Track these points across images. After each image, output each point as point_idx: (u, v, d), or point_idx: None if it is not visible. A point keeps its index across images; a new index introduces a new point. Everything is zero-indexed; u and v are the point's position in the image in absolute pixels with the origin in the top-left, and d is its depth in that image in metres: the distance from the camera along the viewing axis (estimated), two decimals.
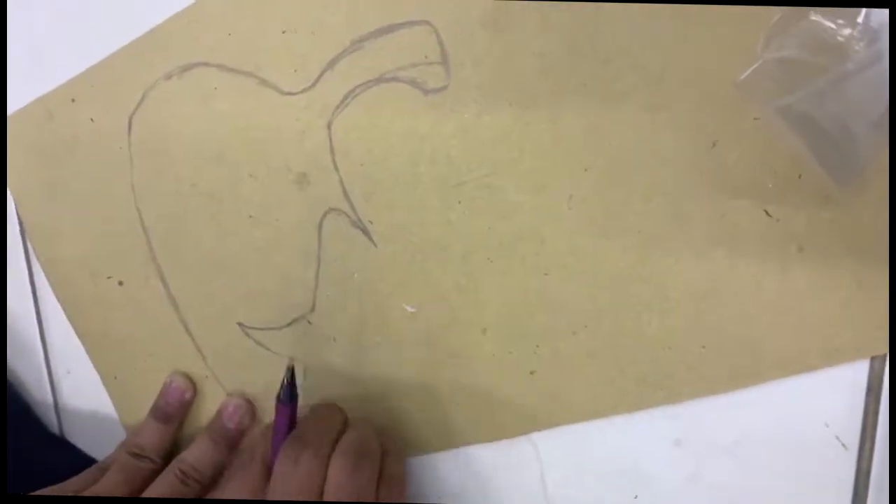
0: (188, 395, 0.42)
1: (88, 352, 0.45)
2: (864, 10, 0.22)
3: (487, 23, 0.31)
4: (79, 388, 0.46)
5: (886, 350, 0.28)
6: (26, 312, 0.46)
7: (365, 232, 0.35)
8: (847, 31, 0.22)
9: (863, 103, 0.23)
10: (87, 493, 0.36)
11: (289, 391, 0.35)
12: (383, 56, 0.33)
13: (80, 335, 0.45)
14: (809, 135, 0.24)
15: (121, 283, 0.43)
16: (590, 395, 0.33)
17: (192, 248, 0.40)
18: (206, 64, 0.37)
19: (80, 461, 0.45)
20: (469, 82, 0.31)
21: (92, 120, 0.41)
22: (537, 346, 0.33)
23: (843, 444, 0.30)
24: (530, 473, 0.36)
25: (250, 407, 0.41)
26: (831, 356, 0.29)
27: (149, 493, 0.36)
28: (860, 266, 0.27)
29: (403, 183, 0.34)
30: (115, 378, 0.45)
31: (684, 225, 0.29)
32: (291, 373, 0.36)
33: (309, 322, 0.38)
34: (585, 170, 0.30)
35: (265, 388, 0.41)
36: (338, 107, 0.34)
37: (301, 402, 0.37)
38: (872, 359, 0.28)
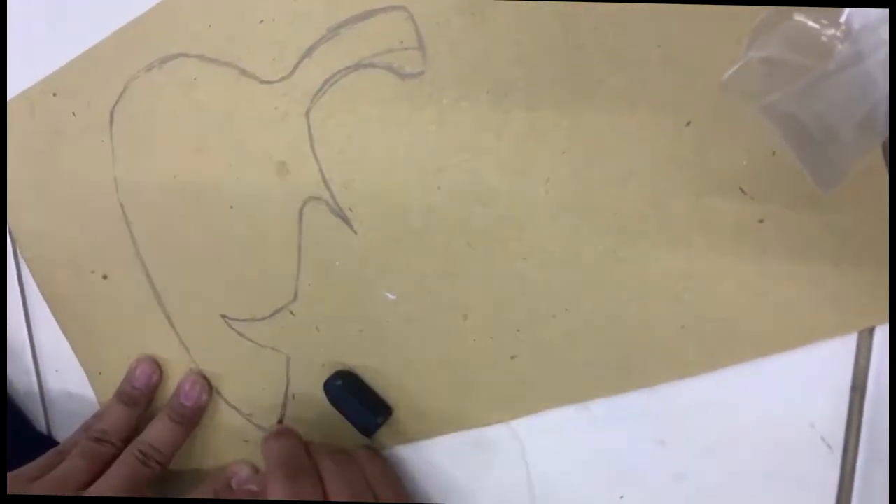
0: (154, 379, 0.42)
1: (73, 348, 0.45)
2: (846, 11, 0.22)
3: (463, 10, 0.31)
4: (66, 387, 0.46)
5: (862, 328, 0.28)
6: (14, 311, 0.46)
7: (345, 220, 0.35)
8: (830, 32, 0.22)
9: (845, 104, 0.23)
10: (47, 478, 0.36)
11: None
12: (360, 42, 0.33)
13: (65, 331, 0.45)
14: (793, 135, 0.24)
15: (105, 277, 0.43)
16: (570, 378, 0.33)
17: (174, 240, 0.40)
18: (185, 55, 0.37)
19: None
20: (446, 69, 0.31)
21: (74, 114, 0.41)
22: (518, 330, 0.33)
23: (829, 445, 0.30)
24: (516, 474, 0.36)
25: (206, 384, 0.41)
26: (809, 335, 0.29)
27: (109, 475, 0.36)
28: (837, 244, 0.27)
29: (382, 169, 0.34)
30: (100, 374, 0.45)
31: (661, 207, 0.29)
32: None
33: (291, 312, 0.38)
34: (563, 153, 0.30)
35: (250, 379, 0.41)
36: (316, 94, 0.34)
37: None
38: (857, 359, 0.28)
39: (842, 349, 0.28)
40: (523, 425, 0.35)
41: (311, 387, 0.39)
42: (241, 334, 0.40)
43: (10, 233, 0.44)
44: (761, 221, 0.28)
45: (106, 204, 0.41)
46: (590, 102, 0.29)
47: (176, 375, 0.42)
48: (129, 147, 0.39)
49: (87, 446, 0.38)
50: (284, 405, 0.40)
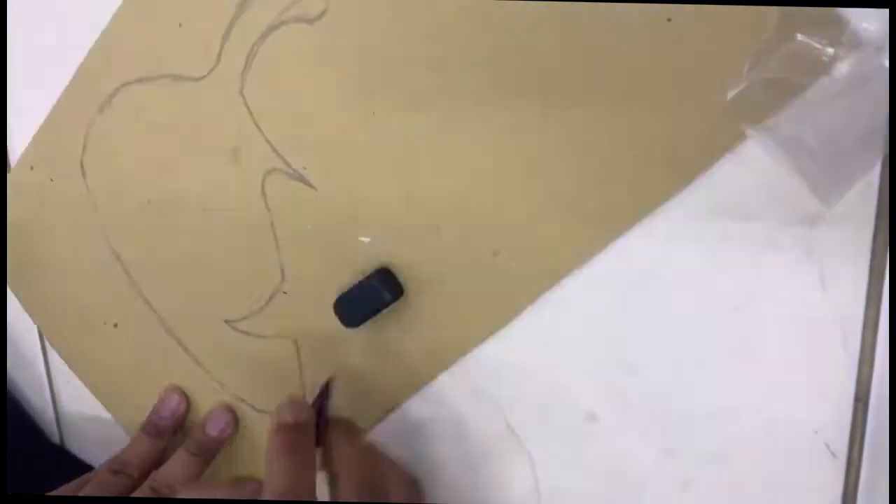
0: (182, 409, 0.42)
1: (106, 405, 0.46)
2: (848, 30, 0.23)
3: None
4: (79, 397, 0.47)
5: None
6: (26, 322, 0.47)
7: (303, 180, 0.36)
8: (831, 52, 0.23)
9: (847, 124, 0.24)
10: None
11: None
12: (266, 7, 0.34)
13: (95, 391, 0.46)
14: (796, 155, 0.25)
15: (116, 326, 0.44)
16: (551, 256, 0.32)
17: (165, 264, 0.41)
18: (126, 84, 0.39)
19: (80, 470, 0.45)
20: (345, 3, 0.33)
21: (51, 180, 0.43)
22: (490, 223, 0.33)
23: (833, 453, 0.30)
24: (524, 485, 0.36)
25: (232, 418, 0.41)
26: (750, 117, 0.28)
27: None
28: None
29: (321, 116, 0.35)
30: (135, 421, 0.45)
31: (582, 48, 0.29)
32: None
33: (284, 292, 0.38)
34: (477, 27, 0.31)
35: (271, 377, 0.41)
36: (244, 71, 0.36)
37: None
38: (861, 366, 0.29)
39: (845, 357, 0.29)
40: (530, 435, 0.35)
41: (324, 366, 0.39)
42: (248, 333, 0.40)
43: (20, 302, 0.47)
44: (669, 19, 0.28)
45: (99, 254, 0.43)
46: None
47: (202, 400, 0.43)
48: (104, 191, 0.42)
49: (103, 478, 0.39)
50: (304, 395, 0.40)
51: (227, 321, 0.41)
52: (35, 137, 0.43)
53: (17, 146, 0.44)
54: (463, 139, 0.32)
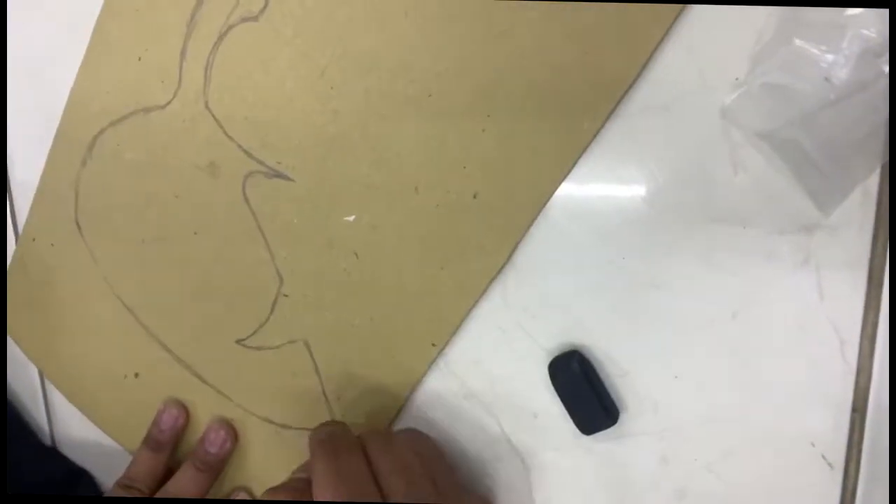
0: (181, 422, 0.42)
1: (117, 440, 0.45)
2: (847, 36, 0.23)
3: None
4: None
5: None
6: None
7: (280, 175, 0.36)
8: (830, 58, 0.23)
9: (846, 130, 0.24)
10: None
11: None
12: (211, 16, 0.35)
13: (122, 442, 0.45)
14: (794, 161, 0.25)
15: (137, 376, 0.44)
16: (527, 177, 0.31)
17: (169, 299, 0.41)
18: (101, 131, 0.40)
19: (71, 472, 0.44)
20: None
21: (52, 245, 0.44)
22: (464, 167, 0.32)
23: (829, 464, 0.30)
24: (519, 494, 0.35)
25: (231, 430, 0.41)
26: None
27: None
28: None
29: (283, 107, 0.35)
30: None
31: None
32: None
33: (285, 295, 0.38)
34: (405, 14, 0.31)
35: (290, 389, 0.40)
36: (203, 86, 0.37)
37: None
38: (858, 376, 0.29)
39: (843, 367, 0.29)
40: (524, 442, 0.35)
41: (337, 360, 0.38)
42: (258, 348, 0.40)
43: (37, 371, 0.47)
44: None
45: (107, 305, 0.43)
46: None
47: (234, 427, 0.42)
48: (100, 240, 0.42)
49: (116, 493, 0.39)
50: (326, 399, 0.39)
51: (237, 341, 0.40)
52: (31, 209, 0.44)
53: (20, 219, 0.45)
54: (419, 88, 0.32)
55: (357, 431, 0.34)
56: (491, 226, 0.33)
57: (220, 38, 0.36)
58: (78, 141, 0.41)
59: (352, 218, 0.35)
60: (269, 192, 0.37)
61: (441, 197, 0.33)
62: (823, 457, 0.30)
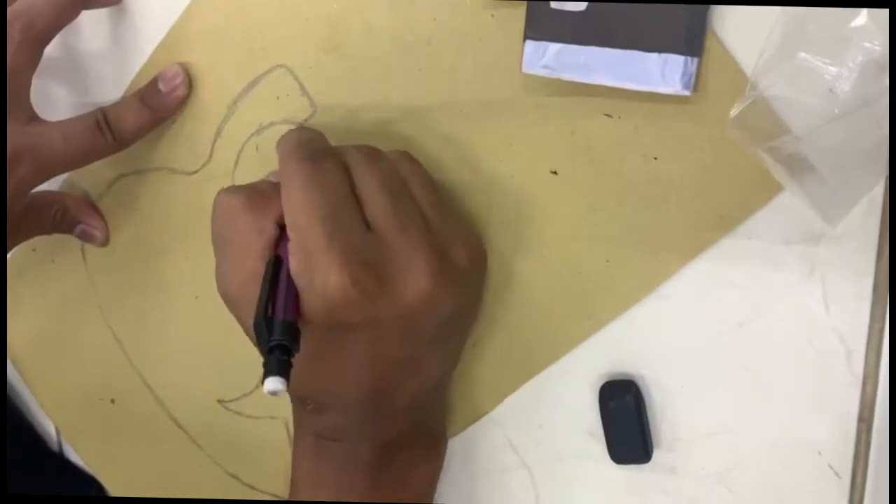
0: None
1: (100, 477, 0.47)
2: (851, 49, 0.23)
3: (328, 48, 0.34)
4: None
5: (763, 204, 0.28)
6: None
7: None
8: (834, 70, 0.23)
9: (850, 144, 0.24)
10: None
11: None
12: (256, 108, 0.36)
13: (90, 464, 0.47)
14: (799, 174, 0.25)
15: (112, 402, 0.45)
16: (528, 350, 0.33)
17: (159, 344, 0.43)
18: (124, 175, 0.41)
19: (78, 479, 0.46)
20: (331, 102, 0.34)
21: (53, 261, 0.45)
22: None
23: (836, 473, 0.30)
24: (525, 500, 0.36)
25: (187, 81, 0.37)
26: (721, 225, 0.29)
27: (64, 122, 0.36)
28: (707, 129, 0.28)
29: None
30: (125, 492, 0.46)
31: (546, 153, 0.31)
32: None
33: None
34: (446, 138, 0.33)
35: (262, 455, 0.42)
36: (234, 167, 0.37)
37: None
38: (864, 385, 0.29)
39: (849, 377, 0.29)
40: (532, 454, 0.35)
41: None
42: (238, 413, 0.41)
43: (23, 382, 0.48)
44: (634, 137, 0.29)
45: (97, 331, 0.44)
46: (453, 86, 0.32)
47: (196, 476, 0.44)
48: (102, 271, 0.43)
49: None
50: None
51: (219, 401, 0.42)
52: None
53: None
54: None
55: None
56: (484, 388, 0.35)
57: (260, 130, 0.36)
58: (99, 176, 0.41)
59: None
60: None
61: None
62: (830, 466, 0.30)
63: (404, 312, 0.28)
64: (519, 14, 0.30)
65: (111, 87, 0.39)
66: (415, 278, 0.27)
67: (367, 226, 0.28)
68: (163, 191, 0.40)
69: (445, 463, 0.36)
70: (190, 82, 0.37)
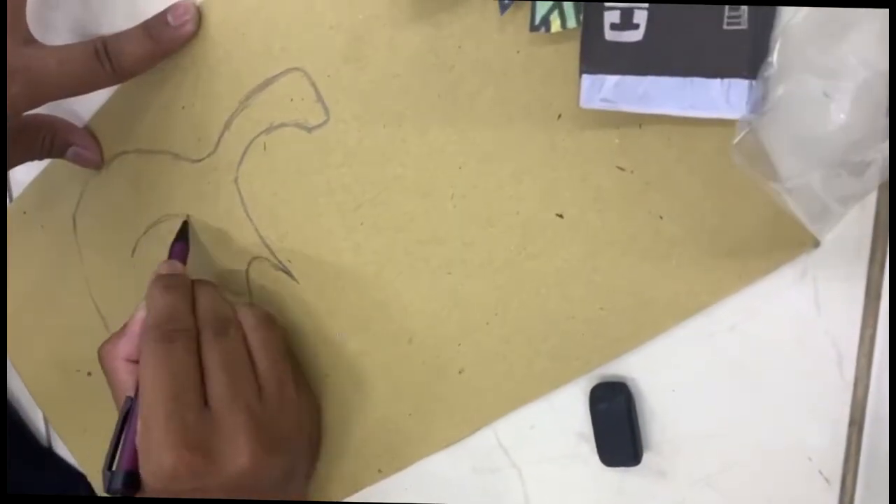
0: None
1: (69, 447, 0.47)
2: (846, 65, 0.23)
3: (348, 57, 0.34)
4: None
5: (764, 272, 0.29)
6: None
7: (286, 272, 0.37)
8: (830, 83, 0.24)
9: (844, 159, 0.24)
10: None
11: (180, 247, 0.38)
12: (268, 107, 0.36)
13: (61, 433, 0.47)
14: (793, 190, 0.25)
15: (89, 374, 0.45)
16: (513, 380, 0.34)
17: None
18: (125, 152, 0.40)
19: (68, 474, 0.46)
20: (345, 113, 0.34)
21: (42, 227, 0.44)
22: (459, 344, 0.34)
23: (826, 479, 0.30)
24: (514, 501, 0.36)
25: (197, 18, 0.36)
26: (717, 291, 0.29)
27: (61, 49, 0.36)
28: (716, 196, 0.28)
29: (309, 218, 0.36)
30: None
31: (554, 195, 0.31)
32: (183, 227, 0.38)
33: None
34: (460, 167, 0.33)
35: None
36: (240, 162, 0.37)
37: None
38: (856, 390, 0.29)
39: (840, 381, 0.29)
40: (522, 455, 0.35)
41: None
42: None
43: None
44: (644, 191, 0.29)
45: (81, 303, 0.44)
46: (470, 115, 0.32)
47: None
48: (92, 245, 0.43)
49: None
50: None
51: None
52: (32, 184, 0.44)
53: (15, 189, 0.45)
54: (442, 262, 0.34)
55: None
56: (459, 406, 0.35)
57: (269, 129, 0.36)
58: (102, 148, 0.41)
59: (342, 336, 0.37)
60: (270, 281, 0.38)
61: (431, 357, 0.35)
62: (820, 472, 0.30)
63: (229, 484, 0.32)
64: (546, 54, 0.30)
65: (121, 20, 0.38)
66: (236, 456, 0.32)
67: (206, 401, 0.33)
68: (165, 174, 0.39)
69: (435, 463, 0.37)
70: (200, 22, 0.36)
